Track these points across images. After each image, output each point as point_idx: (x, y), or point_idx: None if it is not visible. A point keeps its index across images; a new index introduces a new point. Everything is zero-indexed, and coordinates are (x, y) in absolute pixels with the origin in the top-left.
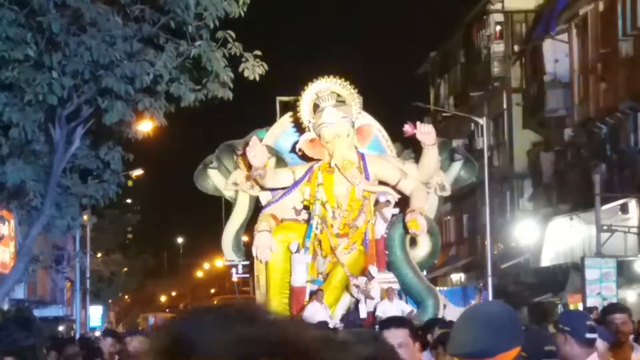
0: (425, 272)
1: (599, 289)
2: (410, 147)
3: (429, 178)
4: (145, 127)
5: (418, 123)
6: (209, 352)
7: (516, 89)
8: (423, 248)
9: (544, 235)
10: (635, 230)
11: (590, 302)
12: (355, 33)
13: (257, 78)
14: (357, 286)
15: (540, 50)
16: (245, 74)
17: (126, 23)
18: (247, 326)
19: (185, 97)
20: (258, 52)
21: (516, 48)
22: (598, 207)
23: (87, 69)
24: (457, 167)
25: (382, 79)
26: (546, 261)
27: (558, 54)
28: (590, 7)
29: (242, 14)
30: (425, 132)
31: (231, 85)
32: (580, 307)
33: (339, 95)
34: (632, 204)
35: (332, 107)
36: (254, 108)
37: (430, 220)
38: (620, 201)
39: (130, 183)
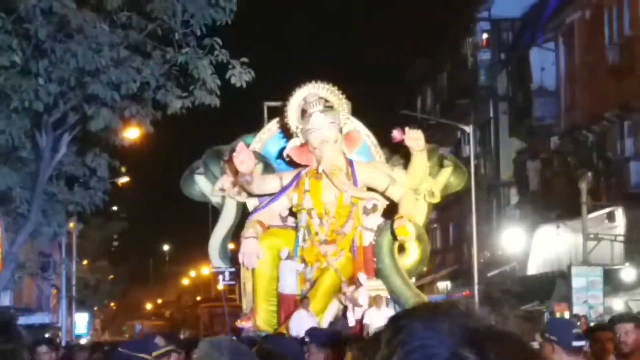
0: (414, 279)
1: (586, 297)
2: (399, 153)
3: (418, 184)
4: (132, 134)
5: (407, 129)
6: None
7: (503, 97)
8: (412, 255)
9: (531, 244)
10: (621, 238)
11: (576, 310)
12: (342, 39)
13: (244, 85)
14: (344, 294)
15: (527, 58)
16: (232, 81)
17: (113, 30)
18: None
19: (171, 104)
20: (245, 59)
21: (503, 56)
22: (585, 216)
23: (73, 75)
24: (446, 173)
25: (368, 86)
26: (533, 269)
27: (545, 63)
28: (576, 16)
29: (229, 21)
30: (414, 138)
31: (218, 92)
32: (567, 315)
33: (326, 101)
34: (618, 212)
35: (319, 112)
36: (241, 114)
37: (418, 226)
38: (607, 209)
39: (120, 183)
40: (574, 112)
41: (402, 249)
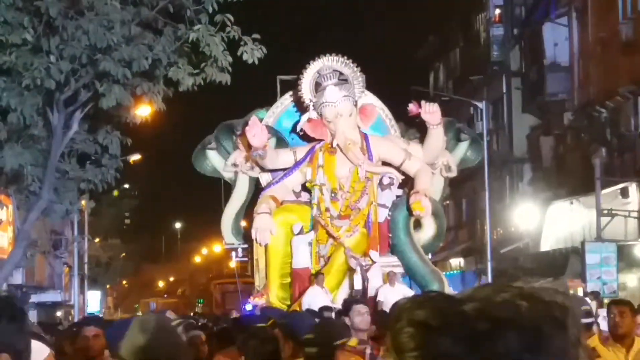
0: (430, 256)
1: (599, 273)
2: (415, 127)
3: (434, 159)
4: (144, 111)
5: (423, 102)
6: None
7: (515, 72)
8: (428, 230)
9: (544, 220)
10: (635, 214)
11: (590, 287)
12: (354, 16)
13: (256, 62)
14: (359, 264)
15: (540, 33)
16: (244, 57)
17: (124, 7)
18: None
19: (183, 81)
20: (257, 36)
21: (515, 32)
22: (598, 191)
23: (84, 53)
24: (463, 147)
25: (380, 62)
26: (546, 246)
27: (558, 38)
28: None
29: None
30: (430, 111)
31: (230, 69)
32: (580, 291)
33: (341, 74)
34: (632, 187)
35: (334, 85)
36: (254, 88)
37: (435, 201)
38: (621, 185)
39: (132, 161)
40: (587, 87)
41: (418, 224)
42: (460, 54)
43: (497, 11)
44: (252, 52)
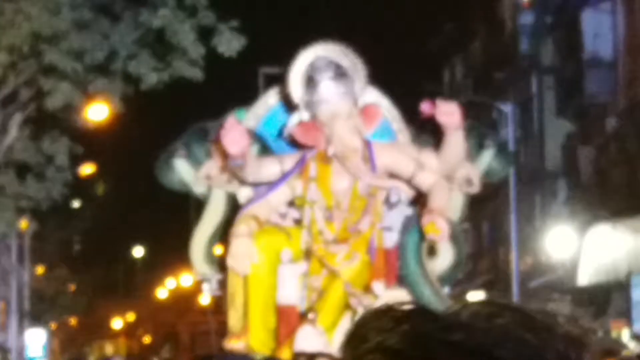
0: (446, 289)
1: None
2: (428, 133)
3: (452, 170)
4: (98, 113)
5: (438, 101)
6: None
7: (548, 69)
8: (444, 258)
9: (581, 247)
10: None
11: (637, 329)
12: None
13: (234, 54)
14: (355, 300)
15: (578, 22)
16: (220, 49)
17: None
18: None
19: (145, 77)
20: (235, 23)
21: (548, 20)
22: None
23: (26, 42)
24: (487, 156)
25: (385, 55)
26: (584, 279)
27: (600, 28)
28: None
29: None
30: (447, 112)
31: (201, 63)
32: (626, 334)
33: (338, 66)
34: None
35: (329, 80)
36: (232, 84)
37: (453, 223)
38: None
39: (83, 174)
40: (635, 87)
41: (432, 251)
42: (482, 45)
43: None
44: (229, 43)
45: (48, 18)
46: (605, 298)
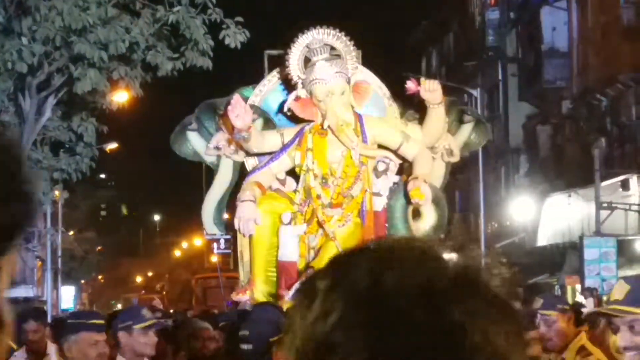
0: None
1: (598, 269)
2: (413, 108)
3: (434, 142)
4: (120, 97)
5: (422, 79)
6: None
7: (512, 58)
8: (427, 220)
9: (540, 213)
10: (636, 207)
11: (588, 283)
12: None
13: (239, 46)
14: None
15: (538, 18)
16: (226, 41)
17: None
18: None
19: (162, 65)
20: (240, 19)
21: (512, 15)
22: (598, 184)
23: (58, 34)
24: (467, 129)
25: (370, 47)
26: (542, 240)
27: (556, 22)
28: None
29: None
30: (430, 89)
31: (211, 53)
32: (578, 288)
33: (333, 48)
34: (633, 180)
35: (325, 61)
36: (240, 64)
37: (435, 188)
38: (621, 177)
39: (108, 150)
40: (587, 74)
41: (417, 213)
42: (454, 38)
43: None
44: (235, 36)
45: (78, 13)
46: (561, 257)
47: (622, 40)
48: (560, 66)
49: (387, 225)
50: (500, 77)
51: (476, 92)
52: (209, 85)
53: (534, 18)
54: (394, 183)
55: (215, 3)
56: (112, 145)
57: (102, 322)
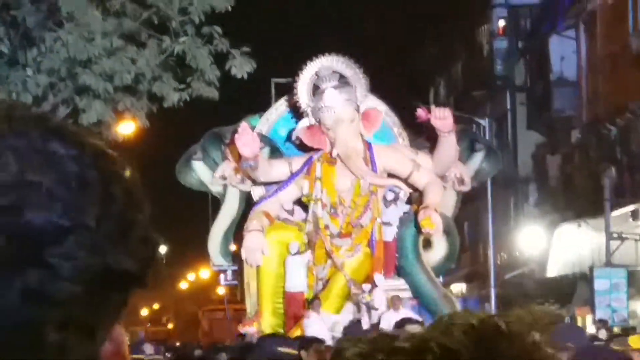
0: (441, 278)
1: (609, 300)
2: (423, 136)
3: (445, 170)
4: (126, 128)
5: (433, 107)
6: None
7: (520, 88)
8: (438, 250)
9: (550, 244)
10: None
11: (599, 314)
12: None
13: (245, 76)
14: (356, 295)
15: (546, 47)
16: (233, 72)
17: (105, 18)
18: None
19: (168, 96)
20: (246, 49)
21: (520, 45)
22: (608, 213)
23: (63, 66)
24: (478, 158)
25: (378, 76)
26: (552, 271)
27: (565, 51)
28: (599, 2)
29: (230, 7)
30: (441, 117)
31: (217, 84)
32: (589, 319)
33: (341, 76)
34: None
35: (333, 88)
36: (246, 93)
37: (447, 218)
38: (631, 207)
39: None
40: (596, 103)
41: (427, 243)
42: (462, 68)
43: (502, 23)
44: (241, 66)
45: (83, 45)
46: (571, 288)
47: (631, 68)
48: (569, 95)
49: (397, 255)
50: (509, 107)
51: (485, 122)
52: (215, 115)
53: (542, 47)
54: (404, 212)
55: (222, 33)
56: None
57: (141, 357)
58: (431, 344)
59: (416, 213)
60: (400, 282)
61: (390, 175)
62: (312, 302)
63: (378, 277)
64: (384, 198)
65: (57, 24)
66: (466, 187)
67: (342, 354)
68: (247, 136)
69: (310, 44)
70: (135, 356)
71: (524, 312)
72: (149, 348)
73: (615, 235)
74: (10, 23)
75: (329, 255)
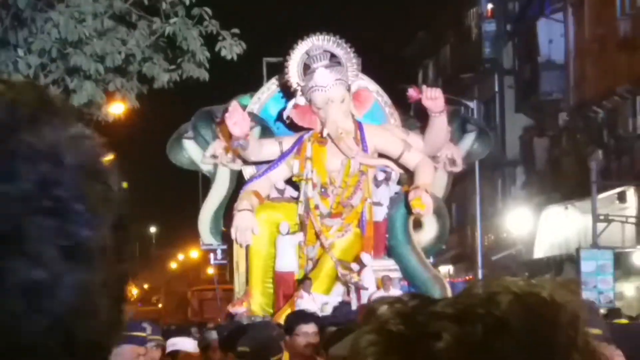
0: (431, 259)
1: (595, 282)
2: (414, 116)
3: (436, 151)
4: (116, 109)
5: (424, 87)
6: None
7: (508, 71)
8: (429, 231)
9: (537, 225)
10: (633, 220)
11: (585, 296)
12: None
13: (235, 58)
14: (344, 275)
15: (534, 30)
16: (222, 53)
17: None
18: None
19: (158, 77)
20: (236, 30)
21: (509, 28)
22: (594, 196)
23: (54, 46)
24: (469, 139)
25: (367, 59)
26: (539, 252)
27: (553, 35)
28: None
29: None
30: (432, 97)
31: (207, 65)
32: None
33: (332, 55)
34: (630, 192)
35: (324, 67)
36: (238, 72)
37: (437, 199)
38: (618, 189)
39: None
40: (584, 87)
41: (418, 224)
42: (451, 50)
43: (490, 6)
44: (231, 48)
45: (74, 26)
46: (558, 269)
47: (619, 52)
48: (557, 78)
49: (387, 235)
50: (496, 89)
51: (473, 104)
52: (206, 96)
53: (530, 30)
54: (395, 193)
55: (212, 15)
56: (107, 157)
57: (144, 334)
58: (479, 310)
59: (406, 193)
60: (390, 262)
61: (381, 156)
62: (303, 282)
63: (365, 257)
64: (375, 178)
65: (48, 5)
66: (457, 168)
67: (376, 312)
68: (237, 115)
69: (300, 25)
70: (136, 333)
71: (546, 280)
72: (148, 328)
73: (601, 217)
74: (1, 4)
75: (317, 235)
